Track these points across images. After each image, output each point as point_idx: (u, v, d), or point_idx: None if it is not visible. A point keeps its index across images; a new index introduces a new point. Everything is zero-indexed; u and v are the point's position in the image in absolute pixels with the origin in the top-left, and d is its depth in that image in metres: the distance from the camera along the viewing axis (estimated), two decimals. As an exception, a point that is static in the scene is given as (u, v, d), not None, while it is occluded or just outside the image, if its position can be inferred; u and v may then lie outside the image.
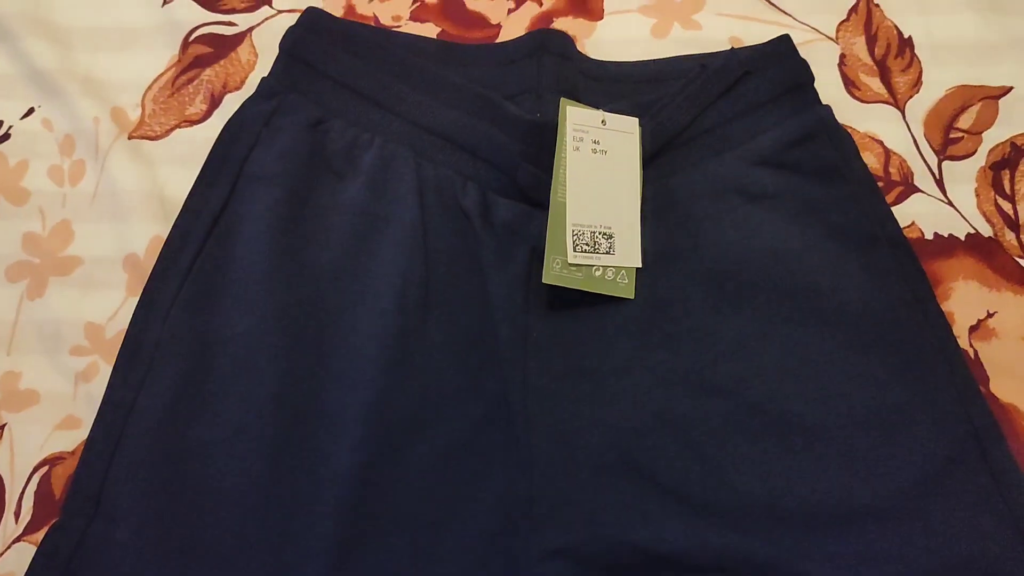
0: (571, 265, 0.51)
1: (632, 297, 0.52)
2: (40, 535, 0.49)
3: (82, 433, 0.53)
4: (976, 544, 0.46)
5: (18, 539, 0.51)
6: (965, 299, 0.56)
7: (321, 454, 0.48)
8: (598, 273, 0.51)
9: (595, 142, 0.53)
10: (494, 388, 0.50)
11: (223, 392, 0.49)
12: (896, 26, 0.63)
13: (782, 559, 0.46)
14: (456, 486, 0.48)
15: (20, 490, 0.52)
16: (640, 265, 0.52)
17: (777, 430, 0.49)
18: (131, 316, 0.51)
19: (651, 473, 0.48)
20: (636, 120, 0.54)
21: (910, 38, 0.63)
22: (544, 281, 0.50)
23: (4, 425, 0.54)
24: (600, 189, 0.53)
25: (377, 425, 0.48)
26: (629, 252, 0.52)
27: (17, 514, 0.52)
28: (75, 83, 0.62)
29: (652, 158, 0.54)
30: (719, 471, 0.48)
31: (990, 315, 0.55)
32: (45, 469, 0.53)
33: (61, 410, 0.54)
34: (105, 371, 0.54)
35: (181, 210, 0.53)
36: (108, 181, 0.59)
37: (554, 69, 0.58)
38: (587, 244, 0.51)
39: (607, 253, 0.52)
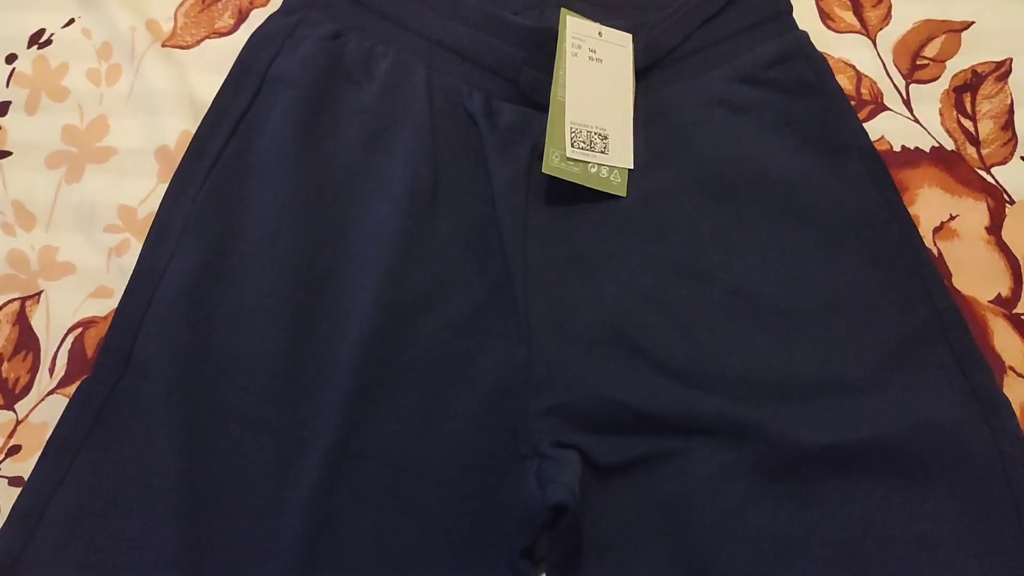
0: (569, 159, 0.54)
1: (624, 195, 0.55)
2: (72, 388, 0.51)
3: (114, 302, 0.55)
4: (938, 412, 0.48)
5: (52, 392, 0.54)
6: (929, 204, 0.59)
7: (336, 324, 0.51)
8: (593, 170, 0.55)
9: (592, 51, 0.57)
10: (497, 271, 0.53)
11: (246, 265, 0.52)
12: (868, -34, 0.68)
13: (760, 421, 0.48)
14: (460, 355, 0.51)
15: (55, 349, 0.55)
16: (632, 166, 0.56)
17: (757, 312, 0.52)
18: (162, 197, 0.53)
19: (640, 346, 0.51)
20: (630, 35, 0.58)
21: (881, -23, 0.67)
22: (544, 171, 0.53)
23: (41, 292, 0.57)
24: (596, 94, 0.56)
25: (388, 301, 0.51)
26: (622, 153, 0.56)
27: (51, 369, 0.54)
28: (113, -3, 0.65)
29: (643, 73, 0.58)
30: (703, 346, 0.51)
31: (952, 218, 0.59)
32: (79, 331, 0.56)
33: (94, 280, 0.57)
34: (136, 247, 0.56)
35: (209, 108, 0.56)
36: (142, 82, 0.63)
37: (556, -13, 0.62)
38: (584, 142, 0.55)
39: (602, 152, 0.55)
